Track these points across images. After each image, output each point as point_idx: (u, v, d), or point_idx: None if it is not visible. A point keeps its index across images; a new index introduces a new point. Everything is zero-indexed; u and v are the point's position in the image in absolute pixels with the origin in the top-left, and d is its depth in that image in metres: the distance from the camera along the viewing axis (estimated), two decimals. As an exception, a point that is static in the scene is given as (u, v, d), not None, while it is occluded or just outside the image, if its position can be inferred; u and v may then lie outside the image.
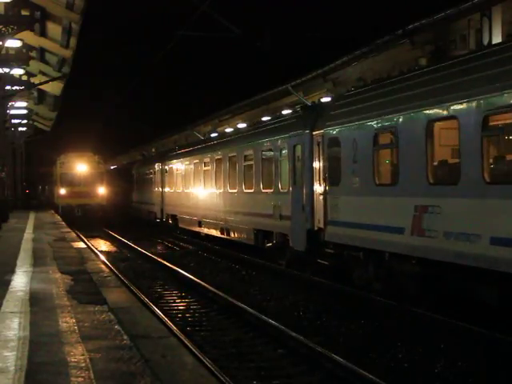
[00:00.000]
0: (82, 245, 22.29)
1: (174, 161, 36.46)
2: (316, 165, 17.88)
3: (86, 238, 32.67)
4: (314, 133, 17.98)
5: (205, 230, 29.50)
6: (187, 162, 32.90)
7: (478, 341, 11.09)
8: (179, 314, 14.89)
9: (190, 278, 19.08)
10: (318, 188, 17.64)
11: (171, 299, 16.95)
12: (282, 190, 20.43)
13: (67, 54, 33.43)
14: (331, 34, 29.77)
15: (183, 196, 33.49)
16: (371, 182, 14.81)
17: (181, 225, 34.50)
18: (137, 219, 47.74)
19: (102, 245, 33.23)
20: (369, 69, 28.78)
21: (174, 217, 36.33)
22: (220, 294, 16.15)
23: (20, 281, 12.94)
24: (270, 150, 21.63)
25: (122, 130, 71.64)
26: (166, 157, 39.61)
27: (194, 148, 33.43)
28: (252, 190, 23.02)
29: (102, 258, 23.64)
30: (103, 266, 17.23)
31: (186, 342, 10.82)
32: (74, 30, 29.63)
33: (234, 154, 25.20)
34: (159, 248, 31.27)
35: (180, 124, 53.33)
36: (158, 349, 7.67)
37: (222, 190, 26.59)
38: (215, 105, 46.61)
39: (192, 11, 22.85)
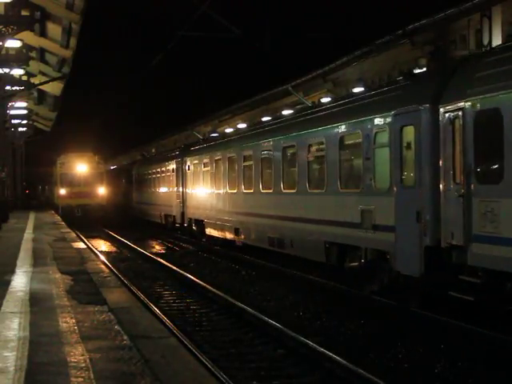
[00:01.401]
0: (81, 245, 22.29)
1: (201, 156, 30.57)
2: (444, 154, 12.48)
3: (85, 238, 32.67)
4: (442, 107, 12.53)
5: (243, 240, 24.15)
6: (219, 157, 27.15)
7: (477, 341, 11.09)
8: (179, 314, 14.89)
9: (190, 278, 19.08)
10: (449, 187, 12.33)
11: (171, 299, 16.94)
12: (377, 191, 14.76)
13: (67, 54, 33.44)
14: (331, 34, 29.76)
15: (214, 197, 27.79)
16: None
17: (209, 231, 28.68)
18: (142, 222, 45.80)
19: (102, 245, 33.23)
20: (369, 69, 28.79)
21: (199, 222, 30.55)
22: (220, 294, 16.15)
23: (20, 281, 12.94)
24: (355, 135, 15.89)
25: (121, 130, 71.65)
26: (187, 152, 34.03)
27: (229, 139, 27.56)
28: (323, 191, 17.33)
29: (102, 258, 23.64)
30: (103, 266, 17.23)
31: (185, 342, 10.82)
32: (74, 30, 29.64)
33: (292, 143, 19.68)
34: (159, 248, 31.28)
35: (180, 124, 53.34)
36: (157, 349, 7.66)
37: (272, 191, 21.01)
38: (215, 105, 46.62)
39: (192, 11, 22.88)
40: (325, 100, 24.57)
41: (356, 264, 15.64)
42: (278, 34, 27.33)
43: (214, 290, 16.74)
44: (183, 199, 33.48)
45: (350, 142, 16.41)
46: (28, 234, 25.64)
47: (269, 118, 28.69)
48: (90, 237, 35.61)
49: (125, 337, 8.11)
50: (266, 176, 21.91)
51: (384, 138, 14.51)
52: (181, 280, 19.61)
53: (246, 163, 23.67)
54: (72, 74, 38.25)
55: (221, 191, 26.70)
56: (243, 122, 39.20)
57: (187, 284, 18.79)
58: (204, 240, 29.74)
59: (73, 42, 31.55)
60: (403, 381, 9.63)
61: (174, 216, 35.60)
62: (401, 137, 13.76)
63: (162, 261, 23.65)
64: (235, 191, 24.84)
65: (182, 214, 33.63)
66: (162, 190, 39.14)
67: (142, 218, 45.75)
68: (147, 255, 26.18)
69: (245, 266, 21.97)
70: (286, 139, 20.17)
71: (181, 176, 34.10)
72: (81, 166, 46.97)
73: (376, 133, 14.84)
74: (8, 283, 12.52)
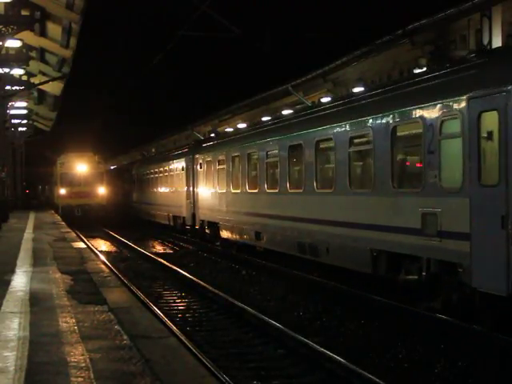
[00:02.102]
0: (81, 245, 22.28)
1: (215, 152, 27.75)
2: None
3: (85, 238, 32.67)
4: None
5: (266, 245, 21.71)
6: (236, 153, 24.44)
7: (478, 341, 11.08)
8: (179, 313, 14.89)
9: (190, 278, 19.08)
10: None
11: (171, 299, 16.95)
12: (444, 190, 12.34)
13: (67, 54, 33.43)
14: (331, 34, 29.79)
15: (230, 198, 25.21)
16: None
17: (224, 235, 26.10)
18: (143, 222, 45.20)
19: (102, 245, 33.23)
20: (369, 69, 28.80)
21: (212, 224, 27.87)
22: (220, 293, 16.15)
23: (20, 281, 12.93)
24: (413, 125, 13.45)
25: (121, 130, 71.68)
26: (199, 148, 31.26)
27: (249, 133, 24.65)
28: (369, 190, 14.92)
29: (102, 258, 23.65)
30: (103, 266, 17.22)
31: (186, 342, 10.82)
32: (74, 30, 29.63)
33: (327, 136, 17.03)
34: (159, 248, 31.28)
35: (180, 124, 53.37)
36: (157, 349, 7.66)
37: (302, 190, 18.55)
38: (215, 105, 46.65)
39: (192, 11, 22.89)
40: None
41: (414, 277, 13.13)
42: (278, 34, 27.37)
43: (214, 289, 16.74)
44: (194, 199, 31.00)
45: (406, 132, 13.91)
46: (28, 234, 25.64)
47: (298, 108, 26.50)
48: (90, 237, 35.62)
49: (125, 337, 8.11)
50: (295, 174, 19.47)
51: (454, 126, 12.05)
52: (181, 280, 19.61)
53: (270, 160, 21.05)
54: (72, 74, 38.27)
55: (239, 191, 24.05)
56: (243, 121, 39.21)
57: (187, 284, 18.79)
58: (217, 244, 27.56)
59: (73, 41, 31.55)
60: (403, 381, 9.63)
61: (184, 217, 33.20)
62: (478, 125, 11.36)
63: (162, 261, 23.65)
64: (256, 191, 22.15)
65: (193, 215, 31.13)
66: (170, 189, 36.93)
67: (146, 218, 44.49)
68: (147, 255, 26.18)
69: (245, 266, 21.96)
70: (320, 132, 17.44)
71: (191, 174, 31.58)
72: (81, 166, 46.96)
73: (443, 121, 12.37)
74: (8, 283, 12.52)
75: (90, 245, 28.19)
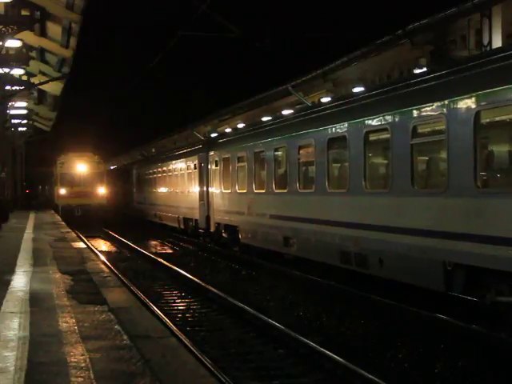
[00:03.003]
0: (81, 245, 22.28)
1: (234, 149, 25.02)
2: None
3: (85, 238, 32.67)
4: None
5: (296, 252, 19.09)
6: (260, 149, 21.88)
7: (478, 341, 11.09)
8: (179, 314, 14.89)
9: (190, 278, 19.07)
10: None
11: (171, 299, 16.95)
12: None
13: (67, 53, 33.41)
14: (331, 33, 29.78)
15: (252, 199, 22.57)
16: None
17: (244, 240, 23.72)
18: (143, 222, 44.83)
19: (102, 245, 33.24)
20: (369, 69, 28.80)
21: (231, 228, 25.42)
22: (220, 294, 16.15)
23: (20, 281, 12.93)
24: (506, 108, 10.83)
25: (121, 130, 71.71)
26: (214, 145, 28.68)
27: (277, 126, 21.50)
28: (440, 190, 12.30)
29: (102, 258, 23.65)
30: (103, 265, 17.22)
31: (185, 342, 10.82)
32: (74, 30, 29.62)
33: (382, 125, 14.25)
34: (159, 248, 31.28)
35: (180, 124, 53.39)
36: (157, 349, 7.66)
37: (346, 190, 15.87)
38: (215, 105, 46.65)
39: (192, 11, 22.89)
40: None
41: (509, 299, 10.83)
42: (278, 34, 27.34)
43: (214, 290, 16.74)
44: (208, 201, 28.40)
45: (495, 119, 11.48)
46: (28, 234, 25.63)
47: (343, 95, 23.28)
48: (90, 237, 35.61)
49: (125, 337, 8.11)
50: (336, 171, 17.18)
51: None
52: (181, 280, 19.60)
53: (303, 156, 18.70)
54: (72, 74, 38.26)
55: (263, 191, 21.41)
56: (243, 121, 39.21)
57: (187, 284, 18.78)
58: (236, 249, 25.08)
59: (73, 41, 31.54)
60: (403, 381, 9.63)
61: (196, 220, 30.64)
62: None
63: (161, 261, 23.64)
64: (285, 191, 19.49)
65: (207, 217, 28.50)
66: (180, 189, 34.55)
67: (151, 220, 42.97)
68: (147, 255, 26.18)
69: (245, 266, 21.96)
70: (373, 121, 14.68)
71: (205, 173, 29.03)
72: (81, 166, 46.95)
73: None
74: (8, 283, 12.52)
75: (89, 245, 28.18)
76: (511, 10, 20.82)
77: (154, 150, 62.34)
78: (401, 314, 13.27)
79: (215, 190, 27.52)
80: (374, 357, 10.71)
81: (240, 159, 24.07)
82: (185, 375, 6.79)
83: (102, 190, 47.20)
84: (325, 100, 24.25)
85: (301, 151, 18.70)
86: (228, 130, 36.74)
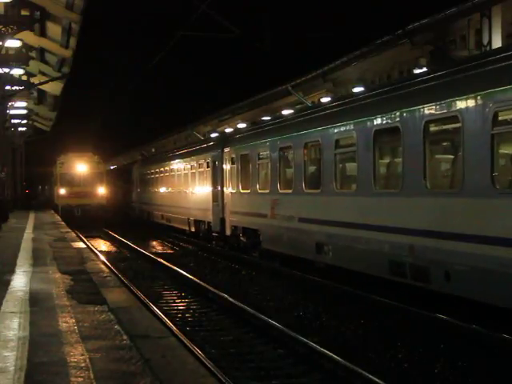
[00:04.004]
0: (81, 245, 22.28)
1: (253, 144, 22.65)
2: None
3: (85, 238, 32.67)
4: None
5: (331, 260, 16.78)
6: (287, 144, 19.53)
7: (478, 341, 11.09)
8: (179, 314, 14.88)
9: (190, 278, 19.07)
10: None
11: (171, 299, 16.94)
12: None
13: (67, 53, 33.44)
14: (331, 33, 29.80)
15: (276, 199, 20.19)
16: None
17: (267, 245, 21.48)
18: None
19: (102, 245, 33.24)
20: (369, 69, 28.81)
21: (250, 231, 23.13)
22: (220, 294, 16.14)
23: (20, 281, 12.93)
24: None
25: (121, 130, 71.74)
26: (230, 141, 26.38)
27: (309, 117, 18.72)
28: None
29: (102, 258, 23.64)
30: (103, 265, 17.22)
31: (185, 342, 10.82)
32: (74, 30, 29.64)
33: (450, 112, 11.95)
34: (159, 248, 31.28)
35: (180, 124, 53.39)
36: (158, 349, 7.65)
37: (397, 191, 13.66)
38: (215, 105, 46.66)
39: (192, 11, 22.87)
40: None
41: None
42: (278, 34, 27.34)
43: (214, 290, 16.73)
44: (223, 202, 26.25)
45: None
46: (28, 234, 25.63)
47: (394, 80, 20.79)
48: (90, 237, 35.61)
49: (125, 337, 8.11)
50: (384, 169, 15.12)
51: None
52: (181, 280, 19.60)
53: (341, 151, 16.37)
54: (72, 74, 38.29)
55: (290, 191, 19.16)
56: (243, 121, 39.21)
57: (187, 284, 18.78)
58: (255, 255, 22.89)
59: (73, 41, 31.57)
60: (403, 381, 9.63)
61: (209, 222, 28.44)
62: None
63: (161, 261, 23.64)
64: (318, 191, 17.24)
65: (222, 220, 26.42)
66: (190, 190, 32.34)
67: (156, 222, 41.29)
68: (147, 255, 26.18)
69: (245, 266, 21.95)
70: (437, 107, 12.30)
71: (219, 172, 26.76)
72: (81, 166, 46.96)
73: None
74: (8, 283, 12.52)
75: (89, 245, 28.18)
76: (511, 10, 20.84)
77: (159, 149, 62.20)
78: (401, 314, 13.27)
79: (231, 190, 25.25)
80: (374, 357, 10.71)
81: (262, 156, 21.76)
82: (185, 375, 6.78)
83: (101, 190, 47.19)
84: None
85: (338, 146, 16.25)
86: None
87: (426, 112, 12.58)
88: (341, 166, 16.65)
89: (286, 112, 28.54)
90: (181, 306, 15.99)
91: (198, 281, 18.38)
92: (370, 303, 14.50)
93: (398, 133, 13.45)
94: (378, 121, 14.35)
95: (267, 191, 20.92)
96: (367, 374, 9.26)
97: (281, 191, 19.82)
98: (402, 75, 25.99)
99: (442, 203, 12.18)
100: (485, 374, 9.74)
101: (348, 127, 15.71)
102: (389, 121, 13.90)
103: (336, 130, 16.31)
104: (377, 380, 9.05)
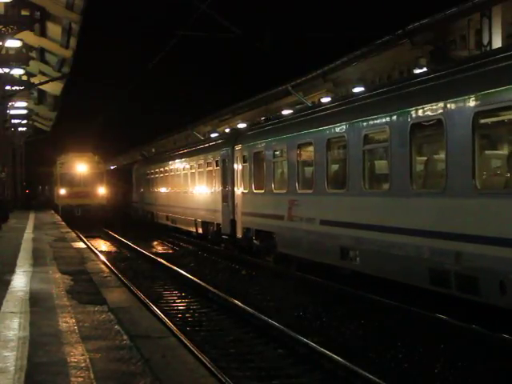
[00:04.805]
0: (81, 245, 22.28)
1: (268, 141, 20.97)
2: None
3: (85, 238, 32.67)
4: None
5: (360, 267, 15.18)
6: (307, 140, 17.90)
7: (478, 341, 11.09)
8: (179, 314, 14.89)
9: (190, 278, 19.07)
10: None
11: (171, 299, 16.95)
12: None
13: (67, 53, 33.46)
14: (332, 33, 29.82)
15: (297, 200, 18.58)
16: None
17: (283, 249, 19.83)
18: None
19: (102, 245, 33.24)
20: (369, 69, 28.82)
21: (264, 234, 21.48)
22: (220, 294, 16.15)
23: (20, 281, 12.93)
24: None
25: (122, 130, 71.75)
26: (242, 137, 24.65)
27: (339, 108, 16.88)
28: None
29: (102, 258, 23.65)
30: (103, 265, 17.22)
31: (185, 342, 10.82)
32: (74, 30, 29.66)
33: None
34: (159, 248, 31.28)
35: (180, 124, 53.41)
36: (158, 349, 7.66)
37: (438, 191, 12.23)
38: (215, 105, 46.69)
39: (192, 11, 22.89)
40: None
41: None
42: (278, 34, 27.34)
43: (214, 290, 16.74)
44: (234, 202, 24.84)
45: None
46: (28, 234, 25.63)
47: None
48: (90, 237, 35.62)
49: (125, 337, 8.11)
50: (422, 167, 13.50)
51: None
52: (181, 280, 19.60)
53: (371, 147, 14.87)
54: (72, 74, 38.31)
55: (310, 191, 17.64)
56: (243, 121, 39.22)
57: (187, 284, 18.78)
58: (269, 259, 21.33)
59: (73, 41, 31.58)
60: (403, 381, 9.63)
61: (218, 224, 27.02)
62: None
63: (161, 261, 23.64)
64: (343, 191, 15.76)
65: (232, 221, 24.99)
66: (198, 189, 30.80)
67: (159, 222, 39.90)
68: (147, 255, 26.18)
69: (245, 266, 21.95)
70: (493, 97, 10.74)
71: (230, 171, 25.32)
72: (81, 166, 46.98)
73: None
74: (8, 283, 12.52)
75: (89, 245, 28.18)
76: (511, 10, 20.84)
77: (159, 148, 62.15)
78: (401, 314, 13.27)
79: (243, 190, 23.67)
80: (374, 357, 10.71)
81: (278, 153, 20.31)
82: (185, 375, 6.78)
83: (101, 190, 47.21)
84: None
85: (367, 141, 14.73)
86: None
87: (475, 103, 11.05)
88: (370, 163, 15.04)
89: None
90: (181, 306, 15.99)
91: (198, 281, 18.38)
92: (370, 303, 14.50)
93: (441, 126, 11.91)
94: (418, 113, 12.70)
95: (284, 191, 19.46)
96: (367, 374, 9.26)
97: (300, 191, 18.37)
98: (402, 75, 26.00)
99: (495, 205, 10.73)
100: (485, 374, 9.74)
101: (380, 121, 14.07)
102: (429, 113, 12.35)
103: (365, 125, 14.68)
104: (377, 380, 9.05)
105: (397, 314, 13.34)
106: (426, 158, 13.51)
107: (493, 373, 9.77)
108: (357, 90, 22.25)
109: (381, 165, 14.74)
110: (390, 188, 13.68)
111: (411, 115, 12.86)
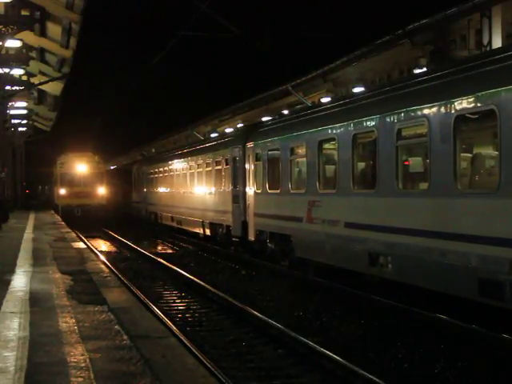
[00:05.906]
0: (81, 245, 22.29)
1: (285, 138, 19.65)
2: None
3: (85, 238, 32.67)
4: None
5: (392, 275, 13.78)
6: (331, 135, 16.38)
7: (477, 341, 11.09)
8: (179, 314, 14.89)
9: (190, 278, 19.07)
10: None
11: (171, 299, 16.95)
12: None
13: (67, 54, 33.47)
14: (331, 33, 29.82)
15: (318, 201, 17.15)
16: None
17: (301, 253, 18.50)
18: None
19: (102, 245, 33.23)
20: (369, 69, 28.82)
21: (279, 237, 20.21)
22: (220, 294, 16.15)
23: (20, 281, 12.93)
24: None
25: (121, 130, 71.77)
26: (254, 134, 23.11)
27: (372, 99, 15.16)
28: None
29: (102, 258, 23.65)
30: (103, 265, 17.23)
31: (185, 342, 10.82)
32: (74, 30, 29.66)
33: None
34: (159, 248, 31.27)
35: (180, 124, 53.40)
36: (158, 349, 7.66)
37: (492, 191, 10.78)
38: (215, 105, 46.70)
39: (192, 11, 22.89)
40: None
41: None
42: (278, 34, 27.34)
43: (214, 290, 16.74)
44: (245, 203, 23.51)
45: None
46: (28, 234, 25.63)
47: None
48: (90, 237, 35.61)
49: (125, 337, 8.11)
50: (466, 164, 12.02)
51: None
52: (181, 280, 19.60)
53: (406, 142, 13.50)
54: (72, 74, 38.31)
55: (333, 191, 16.30)
56: (243, 121, 39.23)
57: (187, 284, 18.79)
58: (285, 264, 20.04)
59: (73, 41, 31.59)
60: (403, 381, 9.63)
61: (228, 226, 25.68)
62: None
63: (161, 261, 23.63)
64: (373, 191, 14.32)
65: (244, 223, 23.65)
66: (206, 189, 29.28)
67: (163, 224, 38.83)
68: (147, 255, 26.17)
69: (245, 266, 21.95)
70: None
71: (241, 170, 23.98)
72: (81, 166, 46.99)
73: None
74: (8, 283, 12.52)
75: (89, 245, 28.19)
76: (511, 10, 20.85)
77: (165, 146, 62.04)
78: (401, 314, 13.27)
79: (256, 190, 22.31)
80: (374, 357, 10.71)
81: (295, 151, 19.01)
82: (185, 375, 6.79)
83: (101, 190, 47.21)
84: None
85: (401, 137, 13.29)
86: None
87: None
88: (404, 160, 13.65)
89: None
90: (181, 306, 15.99)
91: (198, 281, 18.39)
92: (369, 303, 14.50)
93: (494, 118, 10.48)
94: (463, 104, 11.30)
95: (302, 191, 18.11)
96: (367, 374, 9.26)
97: (321, 191, 17.01)
98: (402, 75, 26.00)
99: None
100: (485, 373, 9.74)
101: (417, 113, 12.63)
102: (479, 104, 10.89)
103: (398, 118, 13.27)
104: (377, 380, 9.05)
105: (397, 314, 13.34)
106: (473, 154, 12.05)
107: (493, 373, 9.77)
108: (356, 90, 22.21)
109: (418, 162, 13.44)
110: (430, 188, 12.28)
111: (456, 106, 11.42)
